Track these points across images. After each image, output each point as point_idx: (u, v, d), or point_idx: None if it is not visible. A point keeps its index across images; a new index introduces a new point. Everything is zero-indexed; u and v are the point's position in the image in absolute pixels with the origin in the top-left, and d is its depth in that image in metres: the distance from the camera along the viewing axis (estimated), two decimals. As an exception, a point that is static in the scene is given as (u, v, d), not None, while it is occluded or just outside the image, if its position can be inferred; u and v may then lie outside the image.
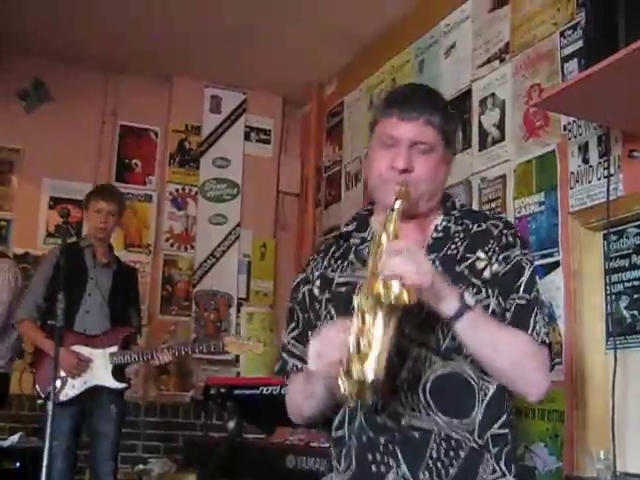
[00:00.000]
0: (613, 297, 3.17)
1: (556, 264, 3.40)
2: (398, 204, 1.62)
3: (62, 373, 4.06)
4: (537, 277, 1.79)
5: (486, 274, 1.71)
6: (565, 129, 3.43)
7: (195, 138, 6.07)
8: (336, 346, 1.49)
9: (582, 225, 3.32)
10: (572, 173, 3.37)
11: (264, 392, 3.36)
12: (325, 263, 1.85)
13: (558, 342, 3.33)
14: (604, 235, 3.26)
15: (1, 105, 5.55)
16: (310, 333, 1.77)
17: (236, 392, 3.45)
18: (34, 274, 4.39)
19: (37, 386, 4.09)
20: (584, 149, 3.31)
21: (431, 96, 1.84)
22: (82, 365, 4.12)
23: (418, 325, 1.67)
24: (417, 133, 1.72)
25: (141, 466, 5.05)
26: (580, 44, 3.31)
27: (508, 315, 1.69)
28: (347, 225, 1.90)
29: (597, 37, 2.78)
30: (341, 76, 5.76)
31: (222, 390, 3.49)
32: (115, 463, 4.25)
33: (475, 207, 3.98)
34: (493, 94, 3.98)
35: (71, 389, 4.10)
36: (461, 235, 1.77)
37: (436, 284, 1.54)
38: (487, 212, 1.89)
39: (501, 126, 3.89)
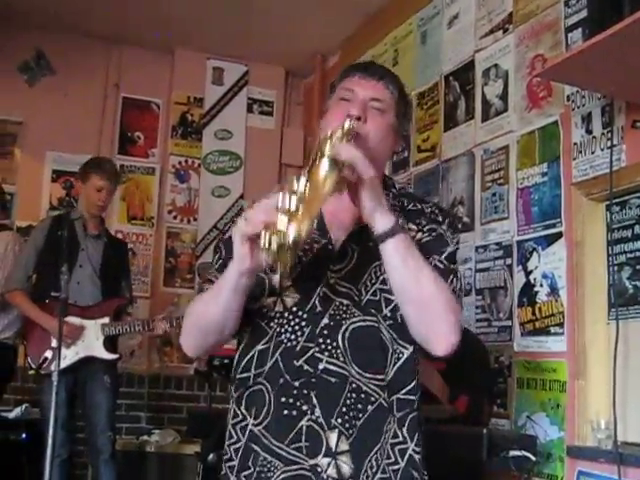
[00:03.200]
0: (615, 268, 3.17)
1: (559, 235, 3.39)
2: (347, 123, 1.61)
3: (53, 343, 4.05)
4: (456, 257, 1.78)
5: (414, 242, 1.71)
6: (568, 99, 3.41)
7: (197, 110, 6.06)
8: (267, 206, 1.47)
9: (585, 196, 3.31)
10: (575, 144, 3.35)
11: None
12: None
13: (560, 313, 3.35)
14: (607, 206, 3.25)
15: (3, 78, 5.54)
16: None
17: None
18: (26, 245, 4.37)
19: (28, 358, 4.10)
20: (587, 120, 3.30)
21: (392, 73, 1.89)
22: (74, 333, 4.12)
23: (343, 277, 1.69)
24: (374, 91, 1.77)
25: (145, 437, 5.08)
26: (584, 13, 3.28)
27: None
28: None
29: (601, 6, 2.76)
30: (344, 47, 5.73)
31: (225, 361, 3.50)
32: (113, 433, 4.27)
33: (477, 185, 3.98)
34: (496, 65, 3.96)
35: (63, 360, 4.07)
36: (397, 209, 1.78)
37: (377, 185, 1.59)
38: (423, 197, 1.91)
39: (504, 97, 3.87)
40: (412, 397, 1.71)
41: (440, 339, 1.64)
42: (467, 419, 3.25)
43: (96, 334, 4.19)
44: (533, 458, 3.17)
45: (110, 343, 4.24)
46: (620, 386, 2.99)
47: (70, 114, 5.62)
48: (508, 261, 3.65)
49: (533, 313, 3.47)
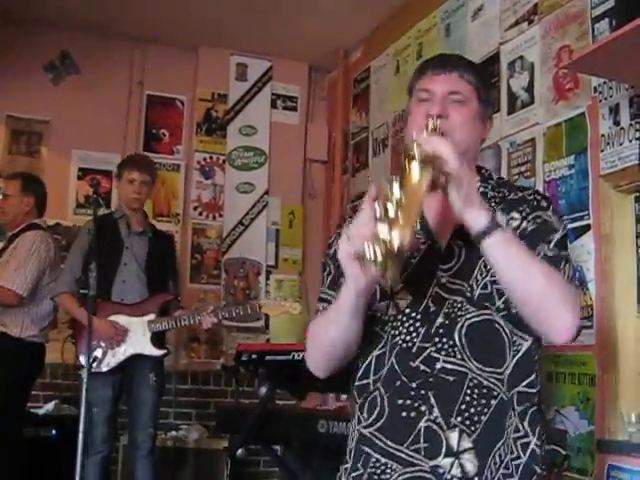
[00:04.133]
0: (645, 260, 3.15)
1: (587, 228, 3.37)
2: (431, 123, 1.59)
3: (102, 343, 4.12)
4: (569, 242, 1.76)
5: (518, 232, 1.69)
6: (595, 91, 3.38)
7: (222, 106, 6.07)
8: (361, 229, 1.45)
9: (613, 188, 3.29)
10: (603, 135, 3.33)
11: (295, 358, 3.36)
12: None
13: (589, 305, 3.32)
14: (636, 198, 3.23)
15: (29, 78, 5.58)
16: (342, 280, 1.73)
17: (267, 358, 3.46)
18: (71, 248, 4.41)
19: (80, 357, 4.14)
20: (615, 111, 3.27)
21: (464, 58, 1.88)
22: (119, 334, 4.16)
23: (454, 274, 1.68)
24: (451, 84, 1.73)
25: (174, 433, 5.11)
26: (611, 4, 3.26)
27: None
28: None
29: (628, -4, 2.74)
30: (367, 42, 5.72)
31: (253, 356, 3.50)
32: (154, 430, 4.30)
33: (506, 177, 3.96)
34: (522, 57, 3.93)
35: (112, 358, 4.15)
36: (497, 200, 1.75)
37: (469, 180, 1.53)
38: (524, 186, 1.87)
39: (530, 89, 3.85)
40: (532, 390, 1.69)
41: (559, 330, 1.60)
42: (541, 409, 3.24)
43: (143, 331, 4.21)
44: (563, 452, 3.15)
45: (157, 339, 4.26)
46: (651, 379, 2.98)
47: (95, 112, 5.65)
48: (535, 254, 3.63)
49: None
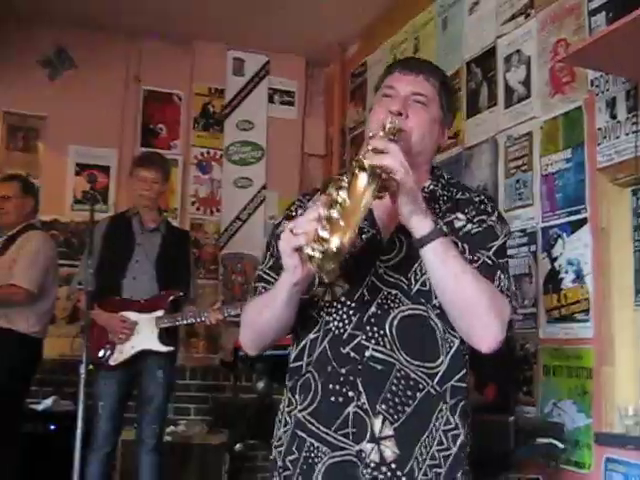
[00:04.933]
0: (642, 253, 3.15)
1: (584, 221, 3.37)
2: (389, 123, 1.63)
3: (111, 338, 4.16)
4: (506, 250, 1.79)
5: (461, 233, 1.74)
6: (592, 84, 3.38)
7: (219, 101, 6.07)
8: (306, 225, 1.50)
9: (610, 181, 3.29)
10: (599, 129, 3.32)
11: (293, 353, 3.37)
12: (310, 203, 1.85)
13: (586, 299, 3.33)
14: (633, 191, 3.23)
15: (25, 73, 5.58)
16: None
17: (265, 353, 3.46)
18: (86, 247, 4.42)
19: (96, 352, 4.16)
20: (612, 104, 3.27)
21: (432, 65, 1.90)
22: (127, 329, 4.17)
23: (392, 267, 1.71)
24: (415, 85, 1.78)
25: (172, 427, 5.11)
26: (607, -3, 3.26)
27: (474, 265, 1.68)
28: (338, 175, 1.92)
29: (624, -11, 2.73)
30: (364, 36, 5.71)
31: (250, 352, 3.51)
32: (160, 427, 4.31)
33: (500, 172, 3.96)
34: (518, 50, 3.93)
35: (120, 354, 4.17)
36: (445, 199, 1.80)
37: (415, 191, 1.57)
38: (473, 187, 1.93)
39: (527, 83, 3.84)
40: (463, 384, 1.74)
41: (483, 339, 1.66)
42: (494, 407, 3.25)
43: (151, 327, 4.22)
44: (560, 445, 3.17)
45: (167, 336, 4.27)
46: (648, 372, 2.98)
47: (92, 107, 5.64)
48: (533, 248, 3.63)
49: (558, 300, 3.45)
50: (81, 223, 5.48)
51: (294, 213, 1.86)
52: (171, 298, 4.31)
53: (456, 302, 1.64)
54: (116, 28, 5.70)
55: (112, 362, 4.14)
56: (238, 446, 4.53)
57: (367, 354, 1.67)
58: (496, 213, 1.80)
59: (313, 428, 1.69)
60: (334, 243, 1.44)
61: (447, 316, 1.67)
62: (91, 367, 4.00)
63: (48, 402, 4.95)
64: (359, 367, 1.67)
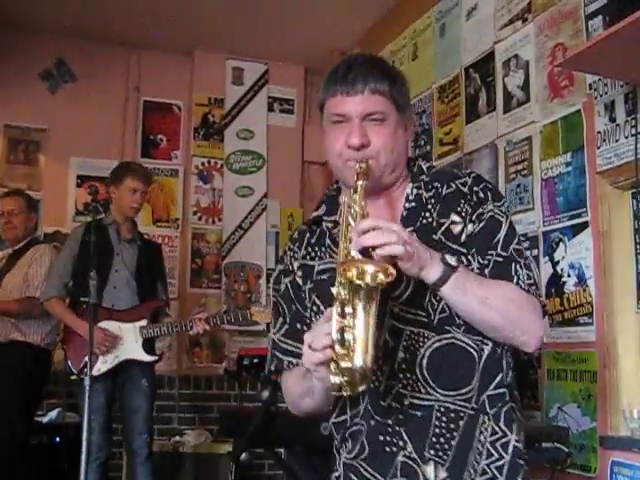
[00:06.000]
0: (643, 256, 3.15)
1: (585, 225, 3.38)
2: (360, 183, 1.56)
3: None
4: (514, 228, 1.73)
5: (463, 237, 1.67)
6: (591, 88, 3.39)
7: (218, 111, 6.08)
8: (322, 340, 1.44)
9: (610, 184, 3.29)
10: (599, 132, 3.33)
11: (296, 361, 3.37)
12: (303, 252, 1.79)
13: (588, 303, 3.33)
14: (633, 194, 3.24)
15: (25, 86, 5.59)
16: (299, 325, 1.76)
17: (269, 362, 3.47)
18: (60, 253, 4.43)
19: (69, 362, 4.14)
20: (610, 107, 3.28)
21: (372, 63, 1.71)
22: (110, 341, 4.16)
23: (406, 303, 1.65)
24: (365, 105, 1.64)
25: (177, 438, 5.11)
26: (604, 1, 3.27)
27: (487, 272, 1.65)
28: (317, 209, 1.84)
29: (621, -7, 2.74)
30: (363, 43, 5.72)
31: (255, 360, 3.52)
32: (149, 435, 4.30)
33: (501, 177, 3.96)
34: (516, 55, 3.94)
35: (103, 364, 4.15)
36: (432, 201, 1.72)
37: (415, 251, 1.50)
38: (455, 170, 1.81)
39: (525, 87, 3.85)
40: (502, 390, 1.68)
41: (526, 344, 1.64)
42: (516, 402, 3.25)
43: (135, 337, 4.22)
44: (566, 450, 3.16)
45: (149, 345, 4.28)
46: (652, 375, 2.98)
47: (92, 119, 5.67)
48: (534, 252, 3.63)
49: (561, 304, 3.46)
50: (69, 233, 5.50)
51: (290, 267, 1.80)
52: (153, 308, 4.32)
53: (489, 323, 1.61)
54: (115, 39, 5.72)
55: (95, 372, 4.10)
56: (244, 455, 4.52)
57: (406, 402, 1.63)
58: (488, 194, 1.71)
59: (366, 474, 1.67)
60: (357, 368, 1.41)
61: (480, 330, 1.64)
62: (74, 377, 4.01)
63: (53, 414, 4.95)
64: (400, 416, 1.63)
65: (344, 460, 1.72)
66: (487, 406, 1.65)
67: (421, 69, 4.85)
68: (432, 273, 1.53)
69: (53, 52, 5.72)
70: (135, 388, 4.23)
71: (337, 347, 1.42)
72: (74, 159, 5.72)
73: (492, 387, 1.67)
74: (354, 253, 1.46)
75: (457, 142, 4.42)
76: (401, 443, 1.63)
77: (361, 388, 1.46)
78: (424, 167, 1.78)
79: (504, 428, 1.66)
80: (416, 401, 1.63)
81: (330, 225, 1.78)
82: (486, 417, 1.65)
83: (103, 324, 4.17)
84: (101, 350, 4.12)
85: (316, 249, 1.78)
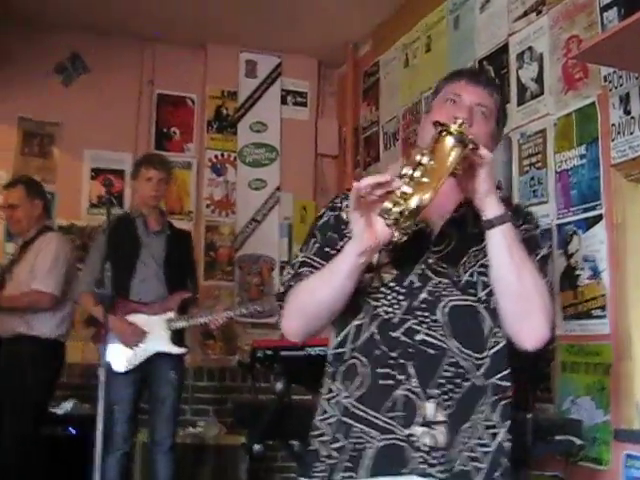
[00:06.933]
0: (658, 249, 3.15)
1: (599, 217, 3.37)
2: (460, 121, 1.62)
3: (121, 342, 4.17)
4: (548, 266, 1.84)
5: None
6: (605, 80, 3.37)
7: (232, 104, 6.09)
8: (380, 179, 1.53)
9: (625, 177, 3.28)
10: (613, 125, 3.32)
11: (310, 353, 3.38)
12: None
13: (602, 295, 3.32)
14: (647, 186, 3.23)
15: (39, 80, 5.61)
16: (328, 249, 1.79)
17: (282, 354, 3.48)
18: (90, 249, 4.44)
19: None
20: (625, 100, 3.26)
21: (495, 80, 2.07)
22: (138, 334, 4.19)
23: (442, 258, 1.74)
24: (481, 97, 1.83)
25: (191, 429, 5.13)
26: (619, -8, 3.25)
27: None
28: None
29: (637, -16, 2.73)
30: (376, 35, 5.72)
31: (268, 352, 3.52)
32: (174, 426, 4.34)
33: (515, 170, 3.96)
34: (530, 48, 3.93)
35: (133, 357, 4.19)
36: None
37: (492, 177, 1.64)
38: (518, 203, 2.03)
39: (539, 80, 3.84)
40: (506, 383, 1.75)
41: (533, 332, 1.69)
42: (512, 405, 3.25)
43: (163, 329, 4.25)
44: (578, 442, 3.16)
45: (178, 338, 4.30)
46: (666, 368, 2.98)
47: (106, 112, 5.68)
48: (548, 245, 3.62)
49: (575, 297, 3.45)
50: (97, 227, 5.51)
51: (340, 204, 1.86)
52: (181, 300, 4.33)
53: (514, 291, 1.66)
54: (129, 33, 5.74)
55: (125, 367, 4.15)
56: (257, 447, 4.54)
57: (418, 338, 1.68)
58: (539, 229, 1.88)
59: (361, 413, 1.69)
60: (414, 200, 1.48)
61: (494, 311, 1.70)
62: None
63: (68, 405, 4.98)
64: (410, 350, 1.67)
65: (341, 401, 1.73)
66: (490, 391, 1.72)
67: (435, 61, 4.84)
68: (495, 207, 1.65)
69: (68, 46, 5.74)
70: (163, 380, 4.27)
71: (404, 180, 1.50)
72: (88, 152, 5.74)
73: (498, 377, 1.73)
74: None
75: (470, 135, 4.40)
76: (402, 377, 1.67)
77: (405, 224, 1.50)
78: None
79: (497, 419, 1.72)
80: (430, 339, 1.68)
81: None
82: (485, 400, 1.71)
83: (131, 317, 4.21)
84: (130, 344, 4.16)
85: None
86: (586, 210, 3.44)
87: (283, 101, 6.21)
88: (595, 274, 3.37)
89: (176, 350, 4.28)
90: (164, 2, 5.30)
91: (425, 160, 1.52)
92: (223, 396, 5.63)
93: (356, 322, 1.74)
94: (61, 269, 4.34)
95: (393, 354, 1.68)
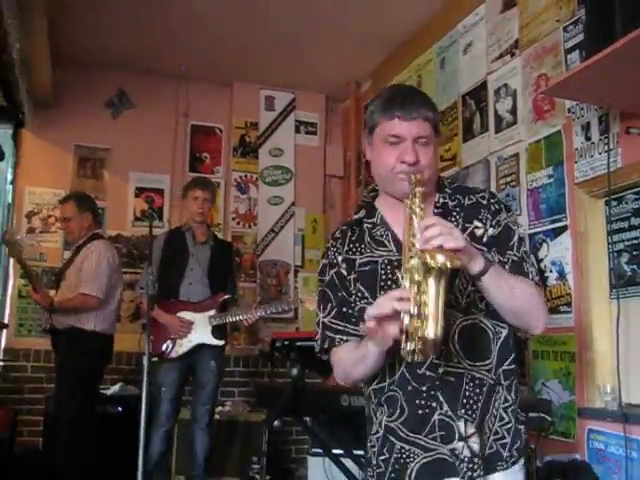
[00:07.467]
0: (615, 254, 3.14)
1: (564, 228, 3.36)
2: (419, 189, 1.60)
3: (172, 335, 4.24)
4: (522, 235, 1.80)
5: (485, 239, 1.73)
6: (569, 111, 3.37)
7: (254, 133, 6.08)
8: (393, 309, 1.45)
9: (586, 194, 3.28)
10: (576, 149, 3.32)
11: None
12: (345, 248, 1.82)
13: (568, 294, 3.31)
14: (606, 202, 3.22)
15: (92, 113, 5.63)
16: (345, 309, 1.78)
17: (298, 344, 3.47)
18: (147, 258, 4.45)
19: (159, 346, 4.22)
20: (586, 128, 3.26)
21: (421, 95, 1.79)
22: (185, 327, 4.23)
23: None
24: (418, 130, 1.69)
25: (219, 408, 5.12)
26: (581, 37, 3.26)
27: (507, 267, 1.70)
28: (357, 213, 1.87)
29: (596, 30, 2.72)
30: (375, 74, 5.72)
31: (286, 343, 3.51)
32: (211, 407, 4.37)
33: (492, 188, 3.95)
34: (506, 84, 3.93)
35: (180, 347, 4.24)
36: (457, 209, 1.77)
37: (467, 246, 1.54)
38: (472, 186, 1.89)
39: (514, 111, 3.84)
40: (513, 366, 1.75)
41: (537, 323, 1.70)
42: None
43: (205, 325, 4.28)
44: (549, 419, 3.15)
45: (218, 332, 4.32)
46: (623, 355, 2.96)
47: (148, 140, 5.70)
48: (522, 251, 3.61)
49: (545, 295, 3.43)
50: (140, 237, 5.55)
51: (335, 260, 1.82)
52: (221, 300, 4.36)
53: (513, 310, 1.67)
54: (167, 73, 5.75)
55: (174, 354, 4.21)
56: (276, 423, 4.54)
57: (441, 371, 1.67)
58: (502, 207, 1.78)
59: (403, 435, 1.70)
60: (430, 334, 1.43)
61: (494, 311, 1.69)
62: (155, 359, 4.04)
63: (115, 388, 4.98)
64: (437, 383, 1.67)
65: (385, 422, 1.73)
66: (502, 378, 1.72)
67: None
68: (477, 264, 1.58)
69: (115, 84, 5.75)
70: (205, 367, 4.31)
71: (413, 320, 1.44)
72: (133, 174, 5.75)
73: (507, 363, 1.74)
74: (419, 245, 1.49)
75: (455, 158, 4.41)
76: (435, 404, 1.67)
77: (432, 355, 1.49)
78: (446, 182, 1.85)
79: (513, 397, 1.73)
80: (449, 369, 1.67)
81: (370, 226, 1.82)
82: (501, 387, 1.71)
83: (180, 314, 4.26)
84: (179, 335, 4.22)
85: (357, 245, 1.81)
86: (553, 222, 3.44)
87: (297, 130, 6.21)
88: (561, 276, 3.36)
89: (216, 342, 4.30)
90: (197, 48, 5.31)
91: (422, 299, 1.45)
92: (247, 380, 5.63)
93: (388, 361, 1.71)
94: (104, 273, 4.30)
95: (424, 388, 1.68)
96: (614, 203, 3.15)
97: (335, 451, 3.52)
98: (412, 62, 5.05)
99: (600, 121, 3.18)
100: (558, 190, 3.42)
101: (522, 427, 1.73)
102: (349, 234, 1.84)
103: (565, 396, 3.29)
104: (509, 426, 1.70)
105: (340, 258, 1.81)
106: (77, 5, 4.64)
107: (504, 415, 1.70)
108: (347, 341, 1.77)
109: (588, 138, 3.24)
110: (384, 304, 1.47)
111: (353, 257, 1.80)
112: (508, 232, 1.74)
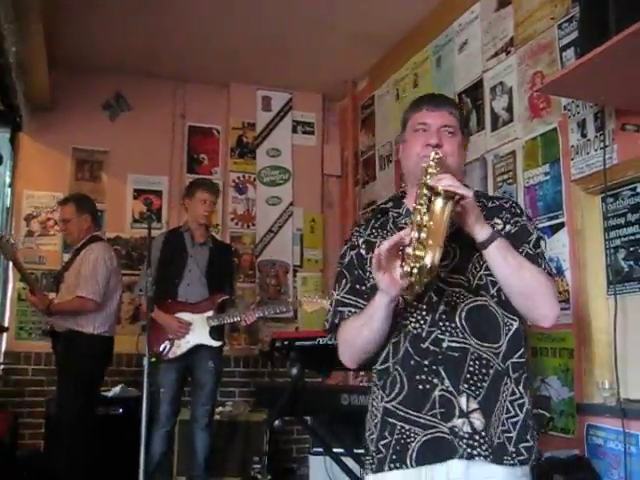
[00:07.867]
0: (612, 250, 3.14)
1: (561, 225, 3.37)
2: (432, 154, 1.67)
3: (170, 335, 4.23)
4: (542, 239, 1.84)
5: (503, 233, 1.76)
6: (565, 109, 3.38)
7: (251, 133, 6.09)
8: (395, 241, 1.56)
9: (583, 190, 3.29)
10: (572, 146, 3.33)
11: (321, 342, 3.40)
12: (368, 232, 1.90)
13: (566, 290, 3.32)
14: (602, 198, 3.23)
15: (90, 116, 5.63)
16: (359, 286, 1.83)
17: (297, 343, 3.48)
18: (145, 259, 4.45)
19: (156, 347, 4.21)
20: (582, 125, 3.27)
21: (449, 98, 1.98)
22: (183, 328, 4.23)
23: (451, 270, 1.74)
24: (443, 119, 1.82)
25: (220, 408, 5.12)
26: (575, 35, 3.26)
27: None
28: (385, 203, 1.97)
29: (590, 28, 2.73)
30: (371, 74, 5.72)
31: (286, 342, 3.52)
32: (211, 407, 4.37)
33: (490, 186, 3.96)
34: (501, 82, 3.93)
35: (178, 348, 4.24)
36: (481, 208, 1.78)
37: (476, 207, 1.63)
38: (499, 195, 1.99)
39: (509, 109, 3.85)
40: (523, 360, 1.76)
41: (545, 317, 1.71)
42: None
43: (203, 325, 4.28)
44: (548, 415, 3.16)
45: (216, 332, 4.32)
46: (620, 351, 2.98)
47: (146, 142, 5.70)
48: (519, 248, 3.61)
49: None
50: (139, 239, 5.56)
51: (356, 242, 1.89)
52: (219, 301, 4.36)
53: (519, 289, 1.67)
54: (164, 75, 5.75)
55: (171, 355, 4.21)
56: (276, 422, 4.54)
57: (444, 345, 1.70)
58: (524, 214, 1.85)
59: (402, 414, 1.71)
60: (427, 260, 1.49)
61: (509, 301, 1.71)
62: (153, 359, 4.04)
63: (116, 389, 4.98)
64: (439, 357, 1.69)
65: (383, 405, 1.75)
66: (510, 370, 1.73)
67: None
68: (484, 231, 1.64)
69: (112, 86, 5.76)
70: (203, 368, 4.30)
71: (413, 245, 1.51)
72: (131, 176, 5.75)
73: (516, 356, 1.75)
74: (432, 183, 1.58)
75: (452, 156, 4.40)
76: (436, 380, 1.69)
77: (426, 280, 1.53)
78: (471, 187, 1.90)
79: (522, 391, 1.74)
80: (453, 344, 1.70)
81: (395, 215, 1.90)
82: (509, 379, 1.72)
83: (178, 315, 4.25)
84: (177, 335, 4.21)
85: (379, 231, 1.89)
86: (550, 219, 3.44)
87: (294, 130, 6.20)
88: (559, 272, 3.36)
89: (213, 343, 4.30)
90: (194, 49, 5.31)
91: (426, 221, 1.54)
92: (247, 380, 5.63)
93: (393, 340, 1.76)
94: (102, 276, 4.28)
95: (426, 362, 1.70)
96: (610, 199, 3.15)
97: (336, 450, 3.53)
98: (408, 61, 5.05)
99: (596, 118, 3.18)
100: (555, 187, 3.43)
101: (531, 424, 1.73)
102: (373, 222, 1.93)
103: (564, 392, 3.30)
104: (515, 420, 1.70)
105: (361, 240, 1.89)
106: (73, 8, 4.64)
107: (511, 408, 1.71)
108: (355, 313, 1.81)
109: (584, 135, 3.25)
110: (392, 237, 1.57)
111: (374, 240, 1.87)
112: (526, 231, 1.79)
